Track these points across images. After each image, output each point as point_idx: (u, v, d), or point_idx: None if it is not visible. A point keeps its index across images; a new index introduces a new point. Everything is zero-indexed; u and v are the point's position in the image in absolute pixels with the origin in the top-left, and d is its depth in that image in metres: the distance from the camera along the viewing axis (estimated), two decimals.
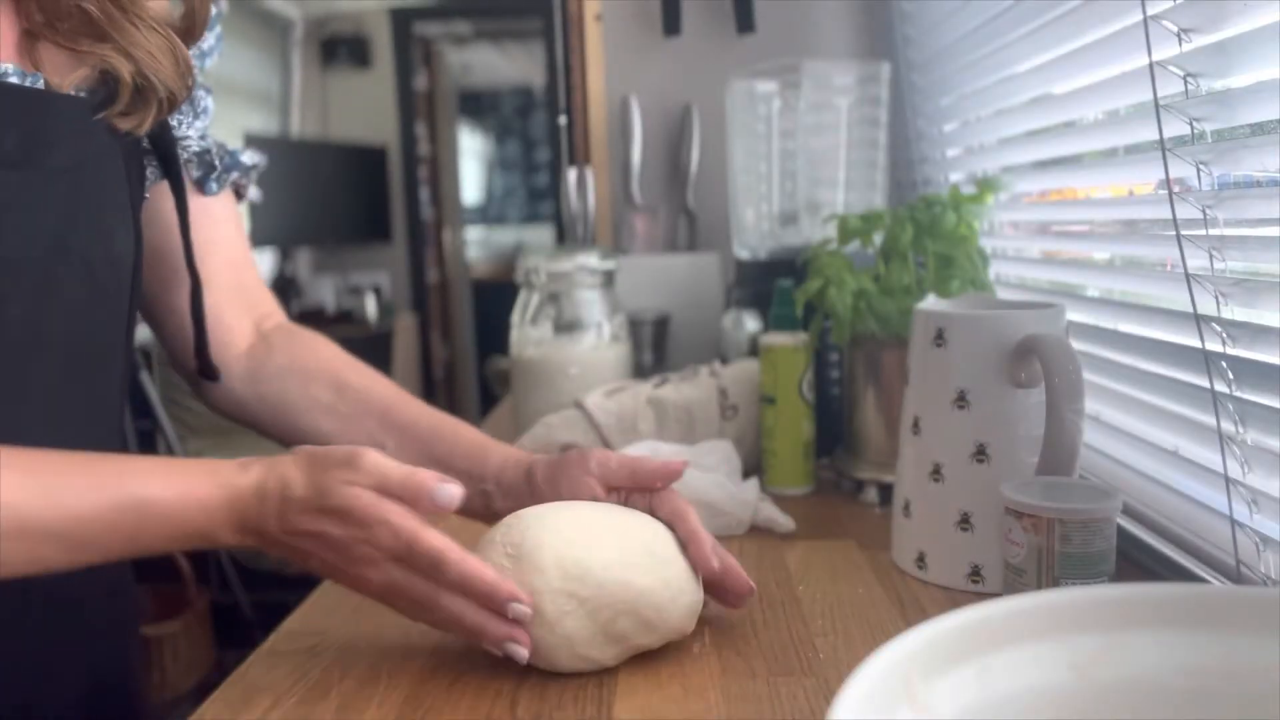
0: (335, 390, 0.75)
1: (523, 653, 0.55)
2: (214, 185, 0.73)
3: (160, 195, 0.69)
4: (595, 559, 0.57)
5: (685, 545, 0.63)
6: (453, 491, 0.55)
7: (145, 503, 0.52)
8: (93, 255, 0.60)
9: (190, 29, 0.62)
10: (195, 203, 0.70)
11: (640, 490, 0.67)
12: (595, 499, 0.67)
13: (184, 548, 0.55)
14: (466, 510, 0.71)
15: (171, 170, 0.66)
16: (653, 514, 0.66)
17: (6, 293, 0.55)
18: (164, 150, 0.66)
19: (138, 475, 0.53)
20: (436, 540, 0.54)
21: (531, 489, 0.69)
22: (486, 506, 0.70)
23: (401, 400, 0.75)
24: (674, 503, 0.66)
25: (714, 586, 0.64)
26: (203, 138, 0.72)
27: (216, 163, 0.72)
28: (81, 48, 0.57)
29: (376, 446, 0.72)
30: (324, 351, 0.77)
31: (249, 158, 0.75)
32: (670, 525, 0.64)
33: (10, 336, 0.55)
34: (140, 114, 0.59)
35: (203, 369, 0.71)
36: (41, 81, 0.56)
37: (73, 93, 0.57)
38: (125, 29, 0.58)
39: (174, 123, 0.68)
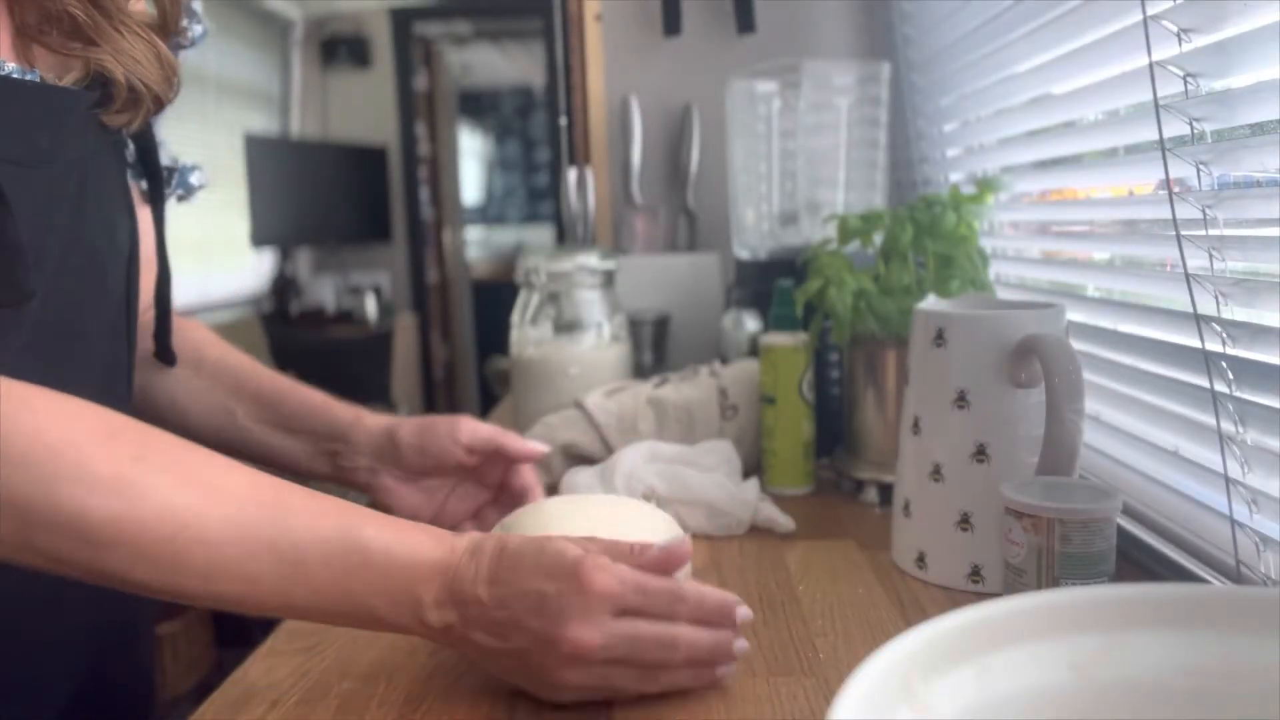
0: (193, 366, 0.78)
1: (744, 644, 0.55)
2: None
3: None
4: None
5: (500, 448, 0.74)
6: (684, 549, 0.55)
7: (362, 542, 0.50)
8: (99, 246, 0.61)
9: (164, 25, 0.63)
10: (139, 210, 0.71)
11: (502, 460, 0.74)
12: (460, 462, 0.73)
13: (385, 612, 0.51)
14: (311, 472, 0.77)
15: (150, 165, 0.67)
16: (507, 486, 0.76)
17: (34, 282, 0.55)
18: (144, 146, 0.67)
19: (356, 514, 0.51)
20: (662, 576, 0.53)
21: (395, 448, 0.73)
22: (334, 465, 0.75)
23: (252, 370, 0.79)
24: (525, 478, 0.75)
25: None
26: (159, 145, 0.72)
27: (171, 180, 0.73)
28: (72, 52, 0.58)
29: (226, 414, 0.76)
30: (190, 335, 0.80)
31: (197, 179, 0.76)
32: (520, 498, 0.74)
33: (26, 333, 0.56)
34: (131, 113, 0.60)
35: (160, 352, 0.72)
36: (38, 78, 0.56)
37: (70, 88, 0.58)
38: (110, 35, 0.58)
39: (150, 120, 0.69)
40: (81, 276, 0.59)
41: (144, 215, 0.69)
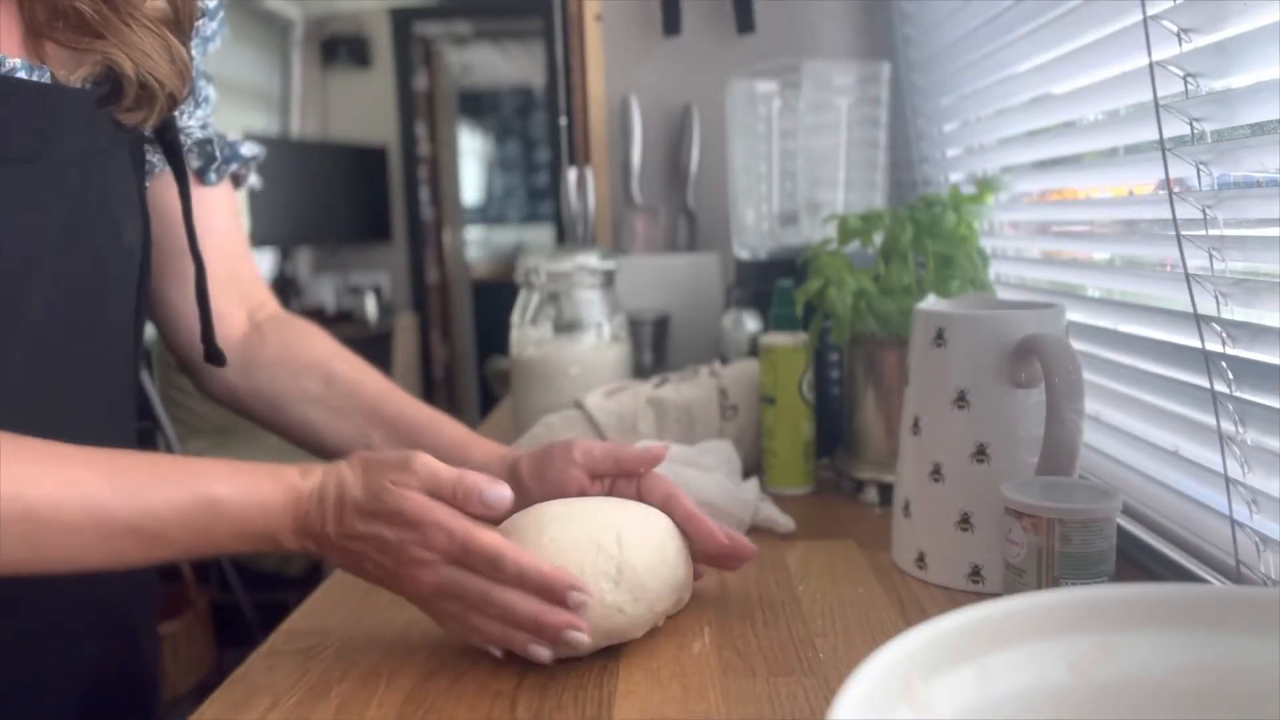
0: (325, 382, 0.76)
1: (583, 639, 0.56)
2: (213, 176, 0.74)
3: (159, 184, 0.69)
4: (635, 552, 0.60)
5: (686, 526, 0.65)
6: (502, 493, 0.57)
7: (215, 501, 0.53)
8: (102, 247, 0.60)
9: (178, 22, 0.62)
10: (194, 192, 0.71)
11: (625, 476, 0.69)
12: (583, 490, 0.68)
13: (250, 549, 0.56)
14: None
15: (175, 160, 0.67)
16: (642, 500, 0.67)
17: (20, 287, 0.55)
18: (168, 140, 0.67)
19: (208, 475, 0.54)
20: (491, 538, 0.55)
21: (517, 484, 0.70)
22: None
23: (389, 394, 0.77)
24: (664, 488, 0.68)
25: (720, 558, 0.67)
26: (204, 127, 0.73)
27: (217, 154, 0.73)
28: (82, 46, 0.57)
29: (362, 439, 0.74)
30: (316, 343, 0.79)
31: (248, 149, 0.76)
32: (666, 510, 0.66)
33: (23, 330, 0.56)
34: (145, 110, 0.60)
35: (209, 354, 0.71)
36: (48, 75, 0.56)
37: (79, 86, 0.58)
38: (119, 29, 0.58)
39: (175, 113, 0.68)
40: (83, 279, 0.59)
41: (170, 212, 0.69)
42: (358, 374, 0.78)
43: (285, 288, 4.27)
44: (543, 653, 0.56)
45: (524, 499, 0.69)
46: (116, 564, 0.52)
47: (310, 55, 4.51)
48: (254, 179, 0.79)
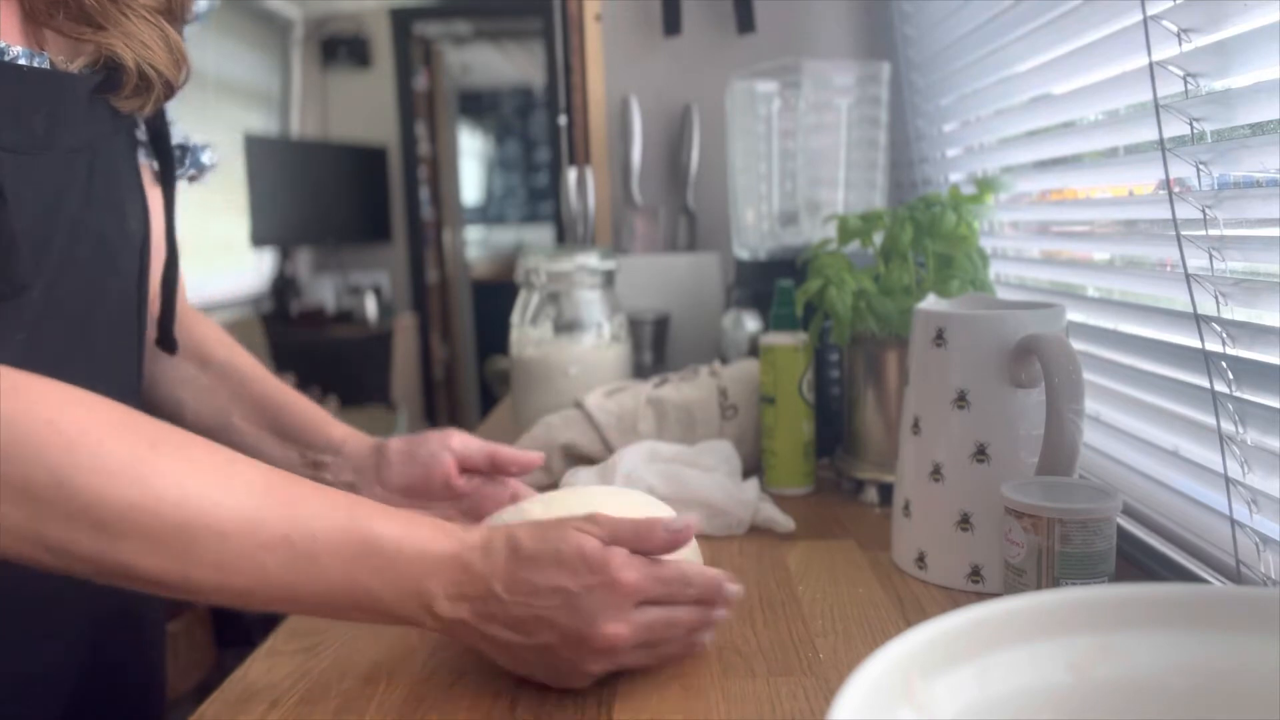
0: (198, 364, 0.78)
1: (724, 613, 0.57)
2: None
3: None
4: None
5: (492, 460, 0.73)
6: (686, 523, 0.55)
7: (372, 533, 0.50)
8: (109, 234, 0.61)
9: (170, 10, 0.63)
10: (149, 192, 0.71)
11: (499, 474, 0.72)
12: (449, 478, 0.71)
13: (392, 603, 0.51)
14: None
15: (162, 150, 0.67)
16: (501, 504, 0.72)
17: (30, 274, 0.55)
18: (156, 130, 0.67)
19: (367, 507, 0.51)
20: (672, 569, 0.54)
21: (380, 461, 0.73)
22: (318, 478, 0.74)
23: (257, 375, 0.79)
24: (520, 494, 0.73)
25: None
26: (170, 124, 0.73)
27: (183, 159, 0.73)
28: (82, 36, 0.58)
29: (222, 414, 0.77)
30: (199, 331, 0.80)
31: (208, 157, 0.76)
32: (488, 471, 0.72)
33: (34, 320, 0.55)
34: (142, 98, 0.60)
35: (163, 341, 0.71)
36: (48, 62, 0.56)
37: (79, 73, 0.58)
38: (117, 19, 0.58)
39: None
40: (90, 265, 0.59)
41: (155, 199, 0.69)
42: (229, 355, 0.79)
43: (285, 288, 4.27)
44: (709, 637, 0.57)
45: (384, 479, 0.74)
46: (257, 585, 0.48)
47: (310, 55, 4.51)
48: (208, 157, 0.80)
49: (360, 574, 0.49)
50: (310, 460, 0.76)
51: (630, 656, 0.54)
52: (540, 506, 0.61)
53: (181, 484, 0.46)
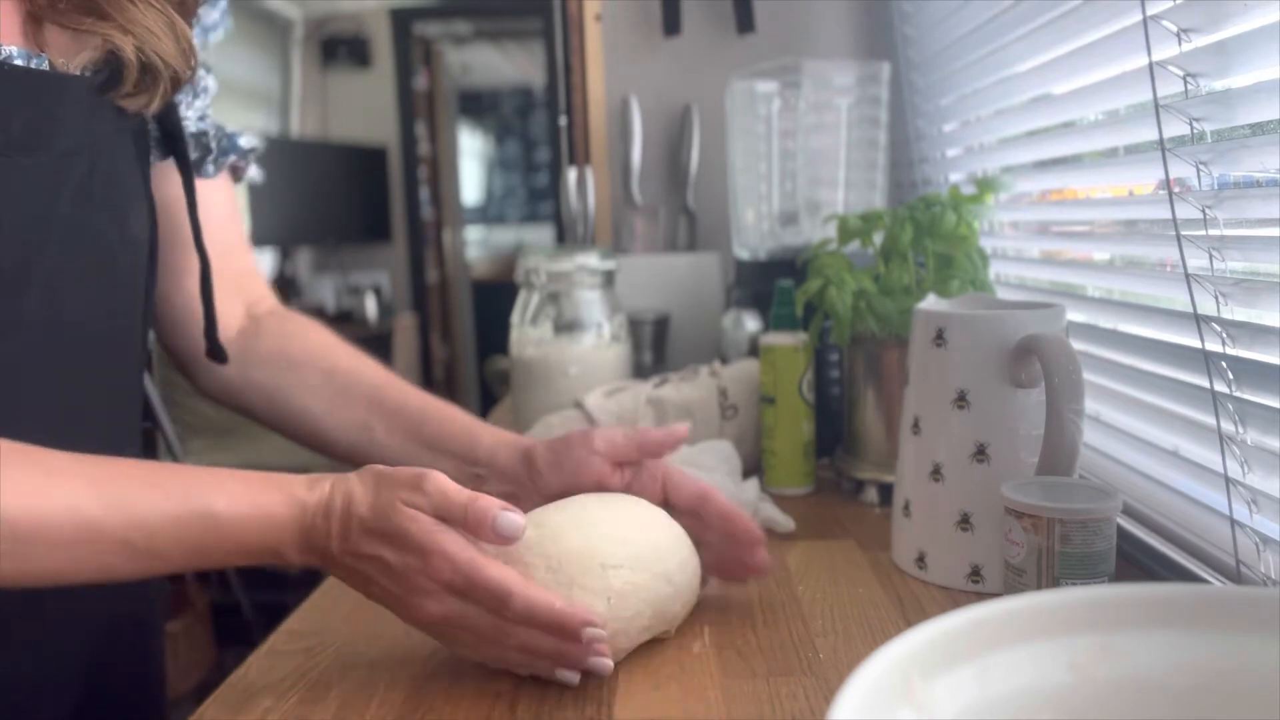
0: (324, 374, 0.75)
1: (607, 664, 0.55)
2: (210, 168, 0.73)
3: (158, 176, 0.68)
4: (631, 560, 0.58)
5: (722, 524, 0.65)
6: (515, 521, 0.54)
7: (212, 515, 0.51)
8: (109, 239, 0.60)
9: (183, 2, 0.62)
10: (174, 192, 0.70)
11: (650, 457, 0.68)
12: (601, 479, 0.67)
13: (251, 563, 0.54)
14: None
15: (178, 150, 0.66)
16: (668, 503, 0.67)
17: (24, 281, 0.54)
18: (170, 130, 0.66)
19: (205, 487, 0.52)
20: (496, 572, 0.53)
21: (531, 472, 0.69)
22: (477, 487, 0.69)
23: (390, 383, 0.75)
24: (692, 486, 0.67)
25: (736, 566, 0.66)
26: (201, 118, 0.72)
27: (213, 145, 0.72)
28: (84, 27, 0.57)
29: (364, 429, 0.73)
30: (315, 336, 0.78)
31: (247, 140, 0.75)
32: (697, 510, 0.66)
33: (29, 325, 0.55)
34: (148, 94, 0.59)
35: (211, 350, 0.70)
36: (46, 63, 0.55)
37: (78, 73, 0.57)
38: (123, 6, 0.57)
39: (176, 101, 0.67)
40: (89, 270, 0.58)
41: (170, 205, 0.68)
42: (357, 364, 0.76)
43: (285, 288, 4.27)
44: (570, 677, 0.55)
45: (539, 488, 0.69)
46: (108, 578, 0.50)
47: (310, 55, 4.51)
48: (254, 172, 0.78)
49: (208, 550, 0.51)
50: (468, 474, 0.71)
51: (459, 632, 0.54)
52: (532, 529, 0.58)
53: (7, 507, 0.46)
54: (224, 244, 0.75)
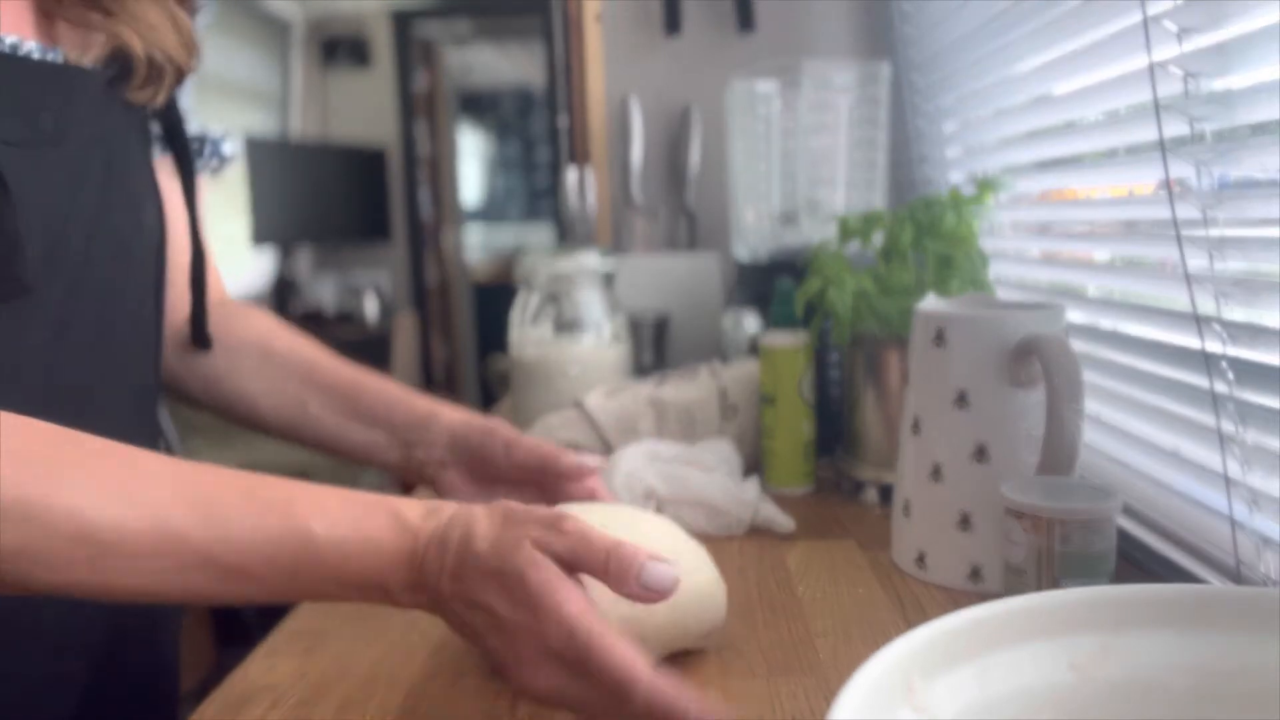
0: (261, 356, 0.76)
1: None
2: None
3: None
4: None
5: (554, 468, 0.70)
6: (666, 573, 0.46)
7: (312, 540, 0.45)
8: (125, 230, 0.60)
9: None
10: (169, 184, 0.71)
11: (552, 480, 0.70)
12: (515, 477, 0.71)
13: (354, 598, 0.47)
14: (385, 463, 0.74)
15: (178, 143, 0.67)
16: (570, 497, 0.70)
17: (50, 273, 0.54)
18: (170, 123, 0.66)
19: (308, 504, 0.46)
20: (621, 654, 0.44)
21: (465, 448, 0.71)
22: (408, 457, 0.73)
23: (324, 360, 0.77)
24: (587, 489, 0.70)
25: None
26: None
27: (204, 151, 0.74)
28: (91, 23, 0.58)
29: (299, 406, 0.74)
30: (254, 322, 0.79)
31: (229, 148, 0.77)
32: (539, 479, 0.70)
33: (53, 316, 0.55)
34: (154, 87, 0.60)
35: (196, 337, 0.71)
36: (61, 57, 0.56)
37: (90, 67, 0.58)
38: (126, 2, 0.58)
39: (175, 95, 0.68)
40: (109, 264, 0.59)
41: (175, 194, 0.69)
42: (292, 344, 0.78)
43: (285, 288, 4.27)
44: None
45: (468, 465, 0.72)
46: (192, 598, 0.46)
47: (310, 55, 4.50)
48: (229, 148, 0.79)
49: (304, 579, 0.46)
50: (401, 440, 0.73)
51: (560, 705, 0.47)
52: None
53: (82, 513, 0.41)
54: (184, 244, 0.76)
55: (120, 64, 0.58)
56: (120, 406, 0.62)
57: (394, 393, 0.75)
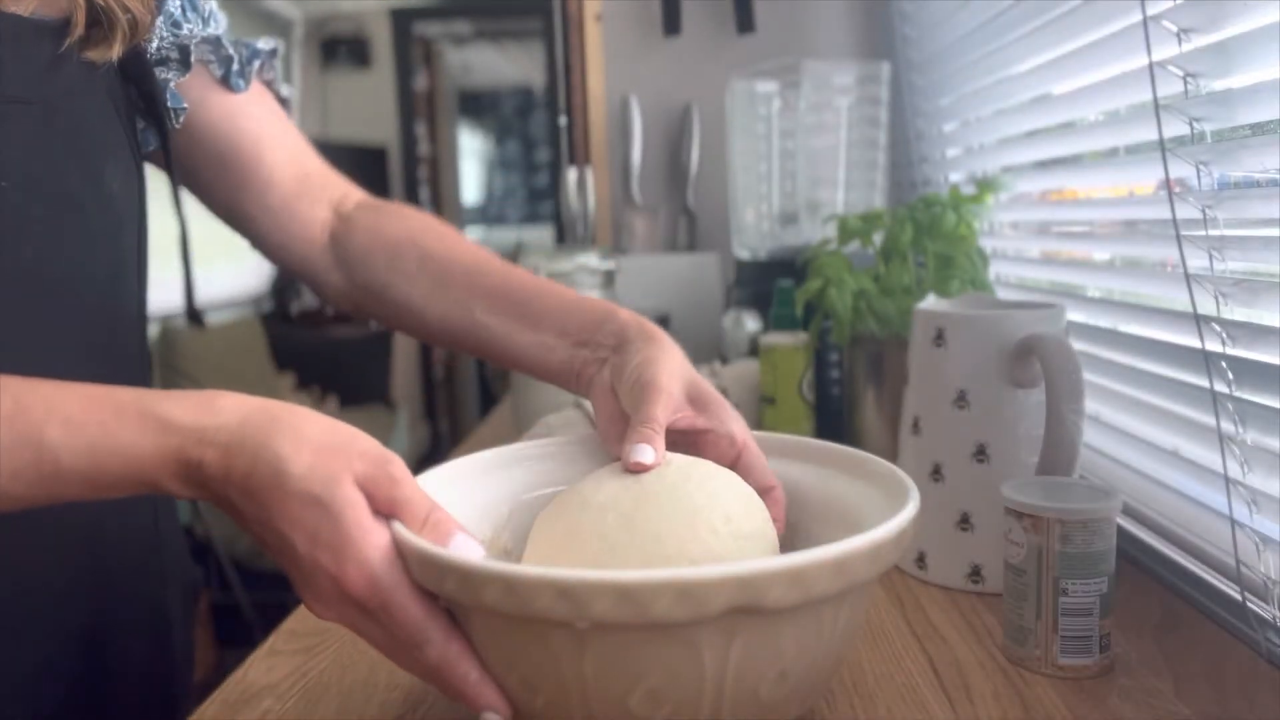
0: (419, 259, 0.69)
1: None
2: (240, 81, 0.69)
3: (199, 96, 0.66)
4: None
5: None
6: (474, 548, 0.46)
7: (43, 447, 0.42)
8: (81, 196, 0.58)
9: None
10: (230, 103, 0.68)
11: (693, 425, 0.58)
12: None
13: (124, 493, 0.44)
14: (548, 368, 0.65)
15: (152, 106, 0.64)
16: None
17: None
18: (142, 84, 0.63)
19: (45, 412, 0.43)
20: (419, 613, 0.44)
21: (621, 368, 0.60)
22: (571, 358, 0.64)
23: (486, 261, 0.69)
24: (765, 477, 0.57)
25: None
26: (205, 26, 0.68)
27: (232, 53, 0.69)
28: None
29: (464, 311, 0.67)
30: (407, 221, 0.72)
31: (265, 42, 0.72)
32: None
33: None
34: (105, 43, 0.57)
35: (190, 314, 0.70)
36: None
37: (24, 15, 0.55)
38: None
39: (185, 30, 0.65)
40: (56, 226, 0.56)
41: (216, 127, 0.67)
42: (449, 245, 0.70)
43: (285, 288, 4.27)
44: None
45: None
46: None
47: (310, 55, 4.51)
48: (286, 89, 0.75)
49: (57, 487, 0.43)
50: (572, 340, 0.63)
51: (359, 632, 0.46)
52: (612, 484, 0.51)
53: None
54: (291, 151, 0.72)
55: (66, 17, 0.55)
56: (91, 378, 0.60)
57: (566, 294, 0.67)
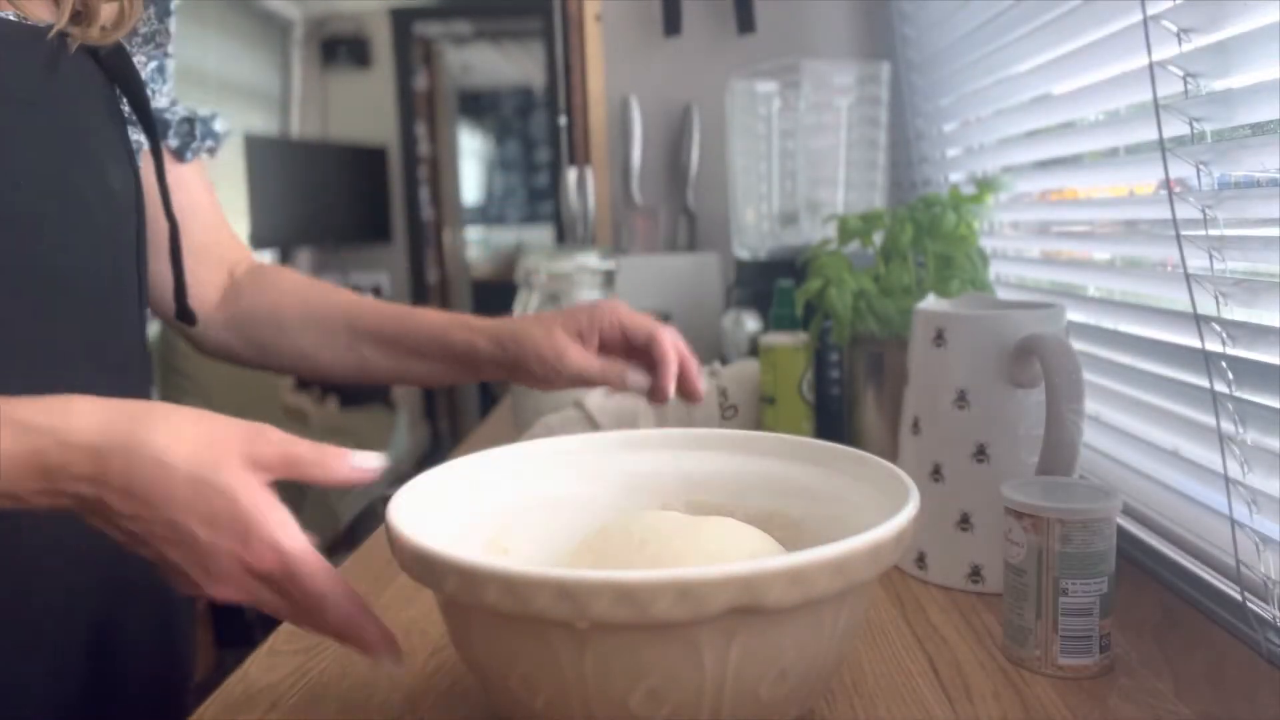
0: (302, 312, 0.77)
1: (400, 669, 0.50)
2: (189, 155, 0.75)
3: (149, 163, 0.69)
4: None
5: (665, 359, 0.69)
6: (370, 456, 0.49)
7: None
8: (86, 193, 0.59)
9: None
10: (174, 172, 0.72)
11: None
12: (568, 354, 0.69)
13: None
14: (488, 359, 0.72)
15: (143, 115, 0.65)
16: (626, 340, 0.70)
17: None
18: (133, 94, 0.65)
19: None
20: (324, 579, 0.45)
21: (515, 351, 0.71)
22: (501, 349, 0.72)
23: (363, 305, 0.77)
24: (645, 325, 0.70)
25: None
26: (174, 103, 0.74)
27: (196, 132, 0.75)
28: None
29: (355, 354, 0.75)
30: (288, 280, 0.79)
31: (221, 125, 0.77)
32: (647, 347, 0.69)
33: (6, 283, 0.54)
34: (86, 24, 0.58)
35: (181, 313, 0.71)
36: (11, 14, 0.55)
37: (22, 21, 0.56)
38: None
39: (149, 93, 0.68)
40: (66, 226, 0.58)
41: (192, 178, 0.71)
42: (329, 295, 0.78)
43: None
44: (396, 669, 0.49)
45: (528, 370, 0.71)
46: None
47: (310, 55, 4.51)
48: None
49: None
50: (450, 362, 0.73)
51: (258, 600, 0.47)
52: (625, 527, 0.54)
53: None
54: (207, 222, 0.78)
55: (52, 15, 0.57)
56: (100, 376, 0.61)
57: (434, 319, 0.74)
